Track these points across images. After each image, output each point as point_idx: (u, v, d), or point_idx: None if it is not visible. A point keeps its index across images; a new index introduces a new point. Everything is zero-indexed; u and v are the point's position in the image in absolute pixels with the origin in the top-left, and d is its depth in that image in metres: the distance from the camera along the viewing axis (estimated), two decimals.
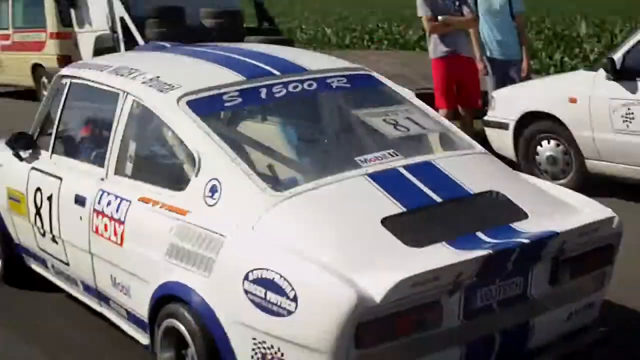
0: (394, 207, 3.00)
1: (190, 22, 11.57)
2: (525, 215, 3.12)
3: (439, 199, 3.12)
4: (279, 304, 2.68)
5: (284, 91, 3.66)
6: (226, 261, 2.96)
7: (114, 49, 11.76)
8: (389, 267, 2.62)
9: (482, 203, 3.22)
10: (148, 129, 3.83)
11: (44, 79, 13.94)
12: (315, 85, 3.80)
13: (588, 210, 3.28)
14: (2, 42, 14.89)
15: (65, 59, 13.39)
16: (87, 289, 4.09)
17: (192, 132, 3.35)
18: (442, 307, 2.73)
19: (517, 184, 3.52)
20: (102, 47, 12.06)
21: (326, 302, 2.57)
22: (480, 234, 2.93)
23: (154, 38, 11.28)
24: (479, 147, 3.77)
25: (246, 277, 2.80)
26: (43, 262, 4.62)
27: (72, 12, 12.52)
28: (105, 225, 3.65)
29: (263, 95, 3.63)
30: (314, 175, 3.31)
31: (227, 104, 3.61)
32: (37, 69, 14.13)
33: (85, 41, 12.39)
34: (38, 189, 4.31)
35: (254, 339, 2.82)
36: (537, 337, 3.11)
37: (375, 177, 3.16)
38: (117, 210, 3.58)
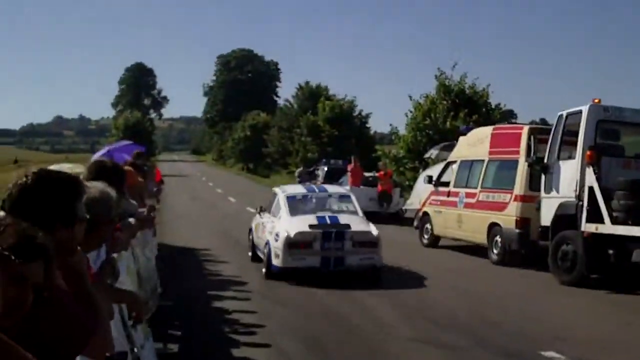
0: (315, 222, 12.22)
1: None
2: (350, 228, 12.10)
3: (329, 222, 12.27)
4: (276, 238, 12.06)
5: (315, 196, 13.53)
6: (273, 230, 12.39)
7: (574, 216, 11.87)
8: (300, 230, 11.96)
9: (341, 225, 12.18)
10: (274, 204, 13.46)
11: (497, 238, 14.54)
12: (327, 195, 13.71)
13: (369, 229, 12.35)
14: (467, 200, 16.05)
15: (524, 222, 13.90)
16: (263, 253, 12.84)
17: (282, 204, 12.80)
18: (312, 243, 11.92)
19: (358, 222, 12.46)
20: (563, 214, 12.27)
21: (282, 237, 11.90)
22: (333, 229, 12.12)
23: (621, 210, 11.13)
24: (361, 214, 12.93)
25: (274, 233, 12.22)
26: (259, 249, 13.37)
27: (543, 177, 13.04)
28: (263, 229, 13.15)
29: (308, 197, 13.44)
30: (302, 213, 12.71)
31: (296, 197, 13.29)
32: (492, 228, 14.81)
33: (548, 206, 12.73)
34: (258, 223, 13.86)
35: (274, 249, 12.04)
36: (348, 263, 11.99)
37: (317, 216, 12.49)
38: (264, 224, 13.19)
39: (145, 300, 5.98)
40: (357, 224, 12.26)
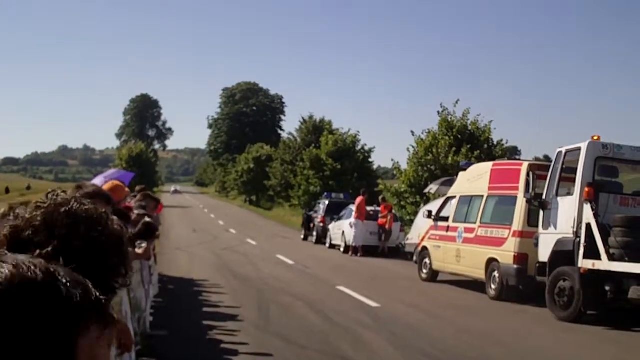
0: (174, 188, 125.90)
1: None
2: (178, 189, 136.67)
3: (177, 189, 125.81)
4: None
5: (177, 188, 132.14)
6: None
7: (572, 252, 11.88)
8: (174, 190, 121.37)
9: (179, 190, 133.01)
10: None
11: (495, 273, 14.51)
12: (177, 188, 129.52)
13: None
14: (466, 235, 16.05)
15: (522, 257, 13.89)
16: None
17: (172, 188, 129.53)
18: (177, 190, 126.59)
19: (182, 189, 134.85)
20: (561, 250, 12.28)
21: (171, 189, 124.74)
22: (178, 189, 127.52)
23: (618, 247, 11.14)
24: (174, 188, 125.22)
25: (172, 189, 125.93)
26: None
27: (541, 213, 13.05)
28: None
29: (175, 189, 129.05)
30: (175, 189, 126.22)
31: (174, 189, 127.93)
32: (490, 263, 14.79)
33: (546, 242, 12.73)
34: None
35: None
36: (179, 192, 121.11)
37: (175, 189, 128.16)
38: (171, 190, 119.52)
39: (134, 329, 5.95)
40: (183, 189, 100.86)
